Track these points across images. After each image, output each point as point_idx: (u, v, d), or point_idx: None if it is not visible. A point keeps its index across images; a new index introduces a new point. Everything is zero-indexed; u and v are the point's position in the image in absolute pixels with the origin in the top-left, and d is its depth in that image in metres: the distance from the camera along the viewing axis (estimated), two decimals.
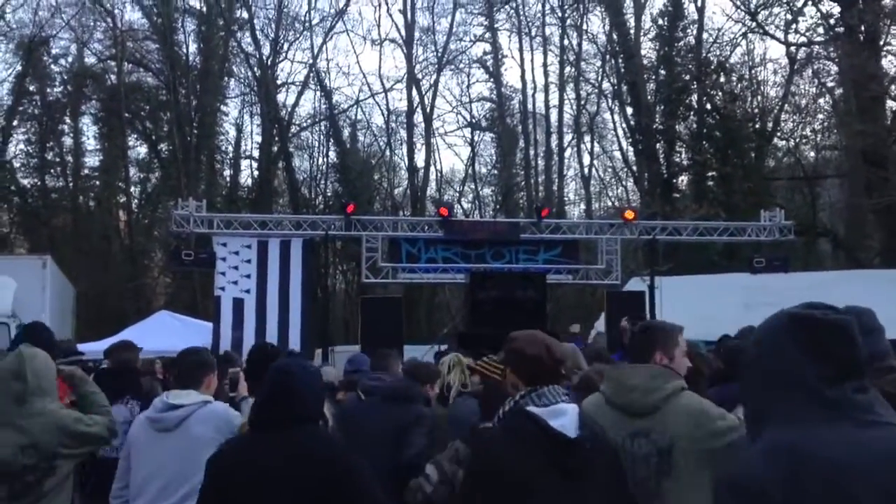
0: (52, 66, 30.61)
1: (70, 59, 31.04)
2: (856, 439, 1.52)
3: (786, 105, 28.04)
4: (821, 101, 27.93)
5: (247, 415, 4.06)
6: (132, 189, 31.70)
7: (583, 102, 32.85)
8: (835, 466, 1.48)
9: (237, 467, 2.89)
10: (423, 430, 4.47)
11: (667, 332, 3.19)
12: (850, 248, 24.53)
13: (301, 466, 2.81)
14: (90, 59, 31.29)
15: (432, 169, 33.29)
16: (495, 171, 33.92)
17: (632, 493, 2.55)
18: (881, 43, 23.07)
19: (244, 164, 33.91)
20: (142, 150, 32.27)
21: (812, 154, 29.52)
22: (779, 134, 28.22)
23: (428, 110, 32.51)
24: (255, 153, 33.19)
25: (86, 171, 31.56)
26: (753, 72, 29.29)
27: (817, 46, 26.08)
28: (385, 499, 2.99)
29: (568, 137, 33.73)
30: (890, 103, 22.93)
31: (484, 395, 3.87)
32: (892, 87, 22.81)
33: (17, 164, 30.17)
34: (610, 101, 32.11)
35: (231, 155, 33.17)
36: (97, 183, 31.39)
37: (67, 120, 30.96)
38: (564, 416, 2.47)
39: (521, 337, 2.78)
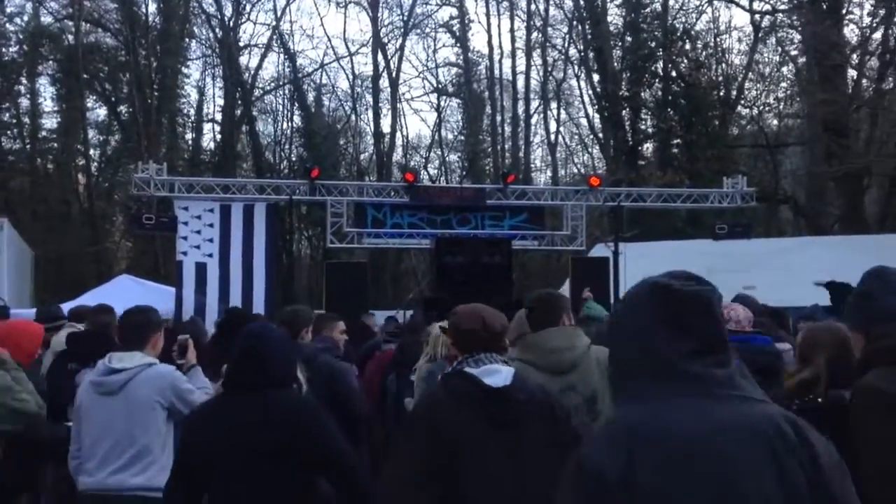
0: (7, 25, 29.57)
1: (26, 18, 30.05)
2: (706, 414, 1.45)
3: (749, 73, 28.29)
4: (784, 69, 28.27)
5: (200, 384, 4.06)
6: (91, 152, 31.02)
7: (550, 69, 32.77)
8: (677, 444, 1.42)
9: (211, 429, 2.91)
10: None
11: (567, 299, 3.78)
12: (810, 214, 24.97)
13: (273, 428, 2.83)
14: (47, 19, 30.33)
15: (398, 134, 33.10)
16: (462, 138, 33.80)
17: (571, 442, 2.59)
18: (843, 12, 23.33)
19: (206, 127, 33.40)
20: (101, 112, 31.54)
21: (775, 122, 29.88)
22: (742, 102, 28.51)
23: (394, 75, 32.22)
24: (218, 116, 32.68)
25: (43, 133, 30.75)
26: (718, 39, 29.48)
27: (781, 15, 26.29)
28: (351, 450, 3.02)
29: (535, 104, 33.72)
30: (851, 72, 23.25)
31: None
32: (854, 55, 23.11)
33: None
34: (576, 67, 32.08)
35: (193, 118, 32.58)
36: (55, 145, 30.64)
37: (24, 80, 30.08)
38: (498, 375, 2.65)
39: (460, 311, 2.95)
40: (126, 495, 3.59)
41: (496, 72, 33.17)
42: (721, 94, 27.81)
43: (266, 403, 2.89)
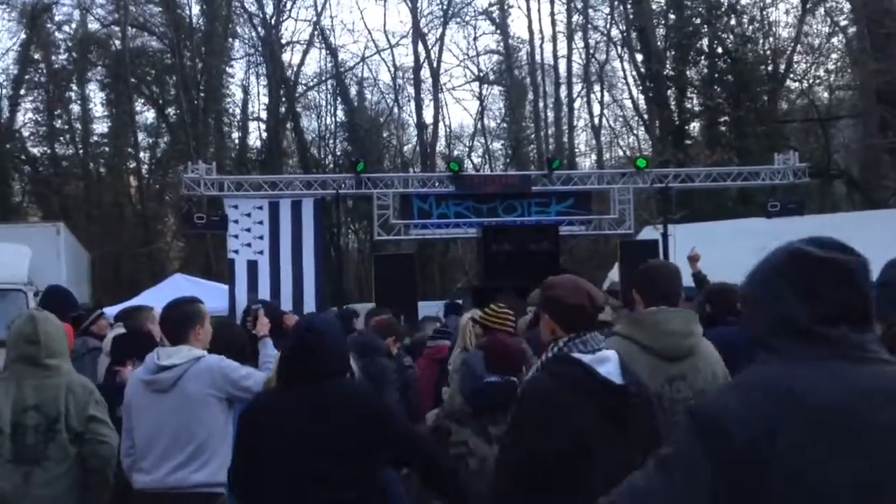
0: (56, 34, 30.37)
1: (74, 26, 30.75)
2: (840, 374, 1.43)
3: (798, 46, 27.54)
4: (834, 40, 27.45)
5: (266, 356, 4.05)
6: (142, 154, 31.67)
7: (592, 51, 32.32)
8: (809, 402, 1.40)
9: (270, 421, 2.92)
10: (390, 380, 4.58)
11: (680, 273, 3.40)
12: (865, 188, 24.28)
13: (333, 415, 2.84)
14: (94, 25, 31.02)
15: (441, 124, 33.07)
16: (504, 125, 33.60)
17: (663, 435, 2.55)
18: None
19: (252, 125, 33.78)
20: (149, 115, 32.14)
21: (825, 95, 29.04)
22: (791, 76, 27.77)
23: (435, 65, 32.13)
24: (263, 114, 33.00)
25: (95, 138, 31.48)
26: (765, 12, 28.66)
27: None
28: (421, 434, 3.04)
29: (577, 88, 33.28)
30: None
31: (487, 347, 3.89)
32: None
33: (26, 134, 30.12)
34: (619, 48, 31.59)
35: (239, 117, 33.02)
36: (106, 149, 31.33)
37: (74, 87, 30.81)
38: (609, 363, 2.49)
39: (561, 283, 2.67)
40: (188, 492, 3.55)
41: (537, 57, 32.89)
42: (769, 68, 27.14)
43: (329, 392, 2.90)
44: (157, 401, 3.64)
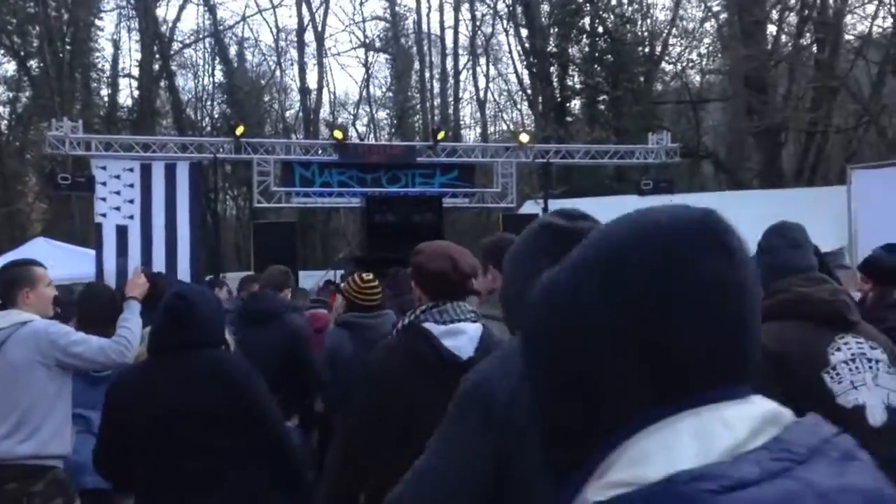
0: None
1: None
2: None
3: (674, 29, 28.63)
4: (707, 25, 28.67)
5: (124, 319, 3.76)
6: (1, 109, 29.56)
7: (478, 23, 32.52)
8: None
9: (138, 392, 2.80)
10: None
11: None
12: (730, 170, 25.64)
13: (205, 385, 2.76)
14: None
15: (325, 90, 32.51)
16: (390, 94, 33.38)
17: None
18: None
19: (123, 82, 32.08)
20: (10, 67, 29.95)
21: (697, 78, 30.40)
22: (667, 58, 28.87)
23: (319, 28, 31.46)
24: (135, 71, 31.42)
25: None
26: None
27: None
28: (281, 429, 2.97)
29: (463, 60, 33.47)
30: (771, 28, 23.78)
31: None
32: (773, 11, 23.61)
33: None
34: (505, 22, 31.92)
35: (108, 73, 31.26)
36: None
37: None
38: (463, 336, 2.38)
39: (425, 249, 2.60)
40: (15, 464, 3.34)
41: (424, 26, 32.79)
42: (646, 50, 28.10)
43: (201, 362, 2.82)
44: None
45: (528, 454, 1.44)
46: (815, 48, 22.68)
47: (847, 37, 22.70)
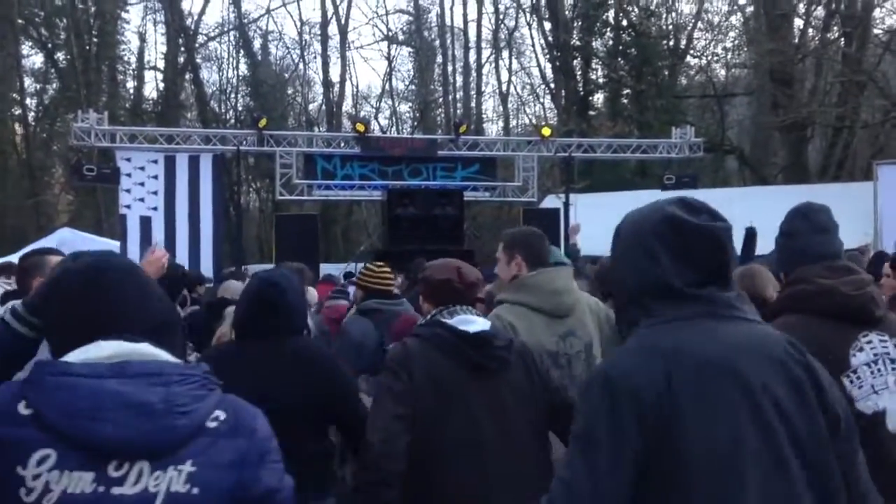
0: None
1: None
2: (714, 332, 1.51)
3: (699, 22, 28.37)
4: (732, 18, 28.40)
5: None
6: (28, 101, 29.89)
7: (501, 17, 32.41)
8: (697, 357, 1.47)
9: (236, 370, 2.82)
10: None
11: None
12: (755, 165, 25.39)
13: (306, 368, 2.79)
14: None
15: (348, 84, 32.56)
16: (413, 87, 33.37)
17: (553, 393, 2.58)
18: None
19: (148, 75, 32.36)
20: (37, 60, 30.31)
21: (722, 72, 30.11)
22: (691, 52, 28.62)
23: (343, 22, 31.50)
24: (160, 64, 31.65)
25: None
26: None
27: None
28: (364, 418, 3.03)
29: (486, 53, 33.37)
30: (797, 21, 23.50)
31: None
32: (800, 5, 23.33)
33: None
34: (528, 15, 31.77)
35: (134, 66, 31.54)
36: None
37: None
38: (474, 323, 2.54)
39: (432, 264, 2.83)
40: None
41: (447, 20, 32.73)
42: (671, 43, 27.87)
43: (298, 347, 2.85)
44: None
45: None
46: (842, 42, 22.39)
47: (875, 31, 22.39)
